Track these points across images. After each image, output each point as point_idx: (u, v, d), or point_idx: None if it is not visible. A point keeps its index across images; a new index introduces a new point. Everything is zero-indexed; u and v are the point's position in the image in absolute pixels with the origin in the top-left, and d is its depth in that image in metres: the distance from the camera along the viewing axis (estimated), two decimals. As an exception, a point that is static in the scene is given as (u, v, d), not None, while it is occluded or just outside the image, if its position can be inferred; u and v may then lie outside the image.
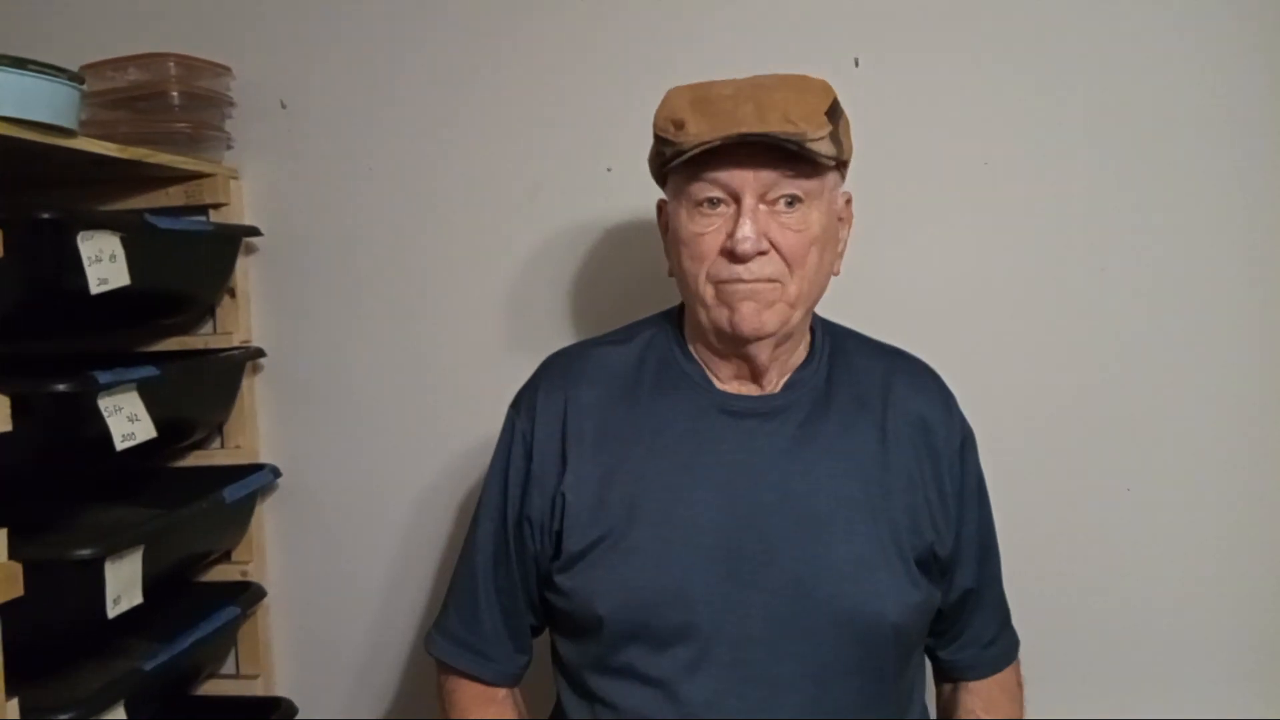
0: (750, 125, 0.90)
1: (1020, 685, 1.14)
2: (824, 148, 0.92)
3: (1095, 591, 1.37)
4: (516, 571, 1.05)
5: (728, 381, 1.04)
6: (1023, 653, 1.15)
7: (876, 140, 1.33)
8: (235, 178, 1.50)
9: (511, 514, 1.05)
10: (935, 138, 1.36)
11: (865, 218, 1.26)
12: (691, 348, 1.06)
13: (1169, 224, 1.32)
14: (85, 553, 1.10)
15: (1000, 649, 1.11)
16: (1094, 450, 1.36)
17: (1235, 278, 1.32)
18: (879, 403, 1.04)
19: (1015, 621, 1.15)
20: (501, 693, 1.08)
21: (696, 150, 0.92)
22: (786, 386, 1.03)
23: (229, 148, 1.50)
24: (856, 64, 1.36)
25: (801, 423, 1.01)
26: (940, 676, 1.15)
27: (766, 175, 0.93)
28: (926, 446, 1.03)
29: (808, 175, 0.94)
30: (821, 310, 1.11)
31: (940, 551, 1.02)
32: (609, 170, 1.40)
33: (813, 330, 1.07)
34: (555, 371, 1.08)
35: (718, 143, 0.91)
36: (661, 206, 1.07)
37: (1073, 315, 1.35)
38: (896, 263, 1.37)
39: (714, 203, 0.95)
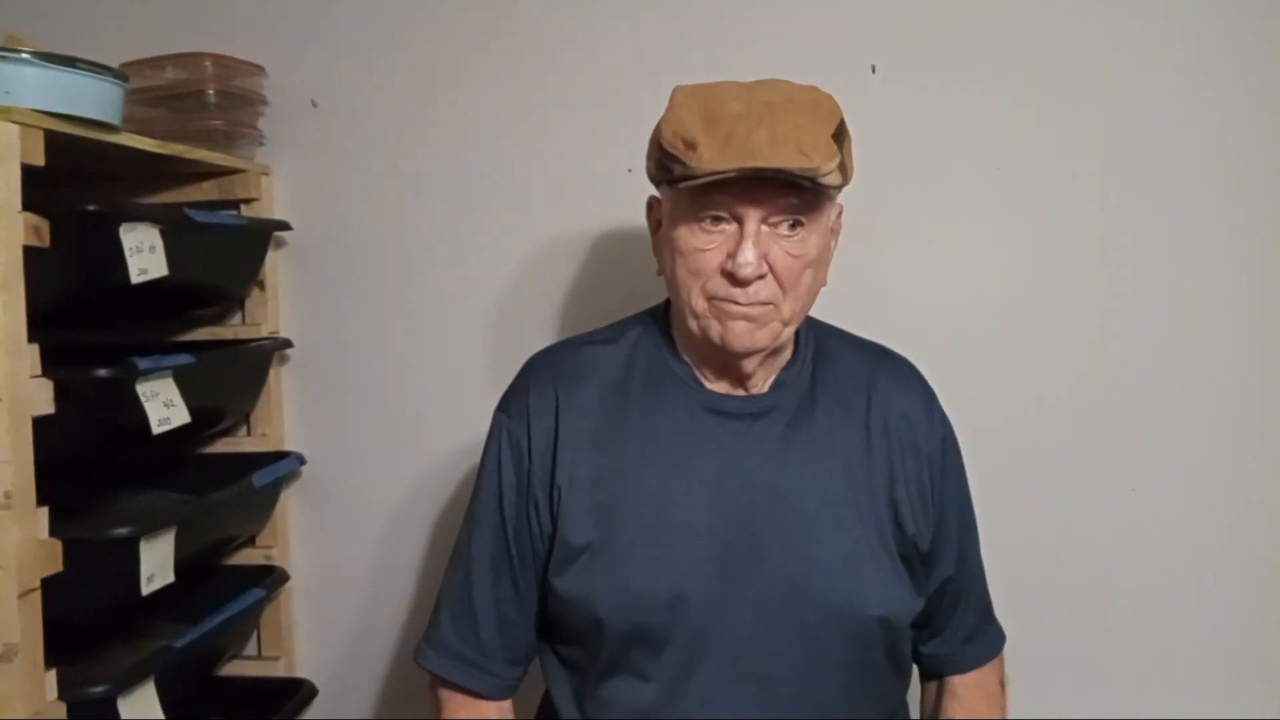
0: (764, 158, 0.88)
1: (1003, 685, 1.14)
2: (833, 179, 0.91)
3: (1096, 591, 1.40)
4: (519, 580, 1.04)
5: (715, 382, 1.04)
6: (1023, 652, 1.17)
7: (893, 145, 1.36)
8: (267, 174, 1.54)
9: (510, 521, 1.03)
10: (950, 143, 1.39)
11: (880, 221, 1.30)
12: (680, 347, 1.06)
13: (1176, 228, 1.35)
14: (122, 532, 1.14)
15: (982, 644, 1.12)
16: (1099, 450, 1.39)
17: (1242, 280, 1.35)
18: (863, 400, 1.05)
19: (1015, 619, 1.16)
20: (496, 706, 1.06)
21: (709, 179, 0.90)
22: (774, 387, 1.04)
23: (261, 144, 1.54)
24: (874, 70, 1.39)
25: (788, 422, 1.02)
26: (925, 674, 1.15)
27: (773, 203, 0.92)
28: (909, 443, 1.04)
29: (812, 204, 0.94)
30: (835, 314, 1.13)
31: (921, 545, 1.03)
32: (629, 171, 1.43)
33: (797, 330, 1.05)
34: (544, 371, 1.07)
35: (733, 174, 0.89)
36: (652, 204, 1.06)
37: (1086, 318, 1.38)
38: (909, 266, 1.41)
39: (716, 219, 0.94)
